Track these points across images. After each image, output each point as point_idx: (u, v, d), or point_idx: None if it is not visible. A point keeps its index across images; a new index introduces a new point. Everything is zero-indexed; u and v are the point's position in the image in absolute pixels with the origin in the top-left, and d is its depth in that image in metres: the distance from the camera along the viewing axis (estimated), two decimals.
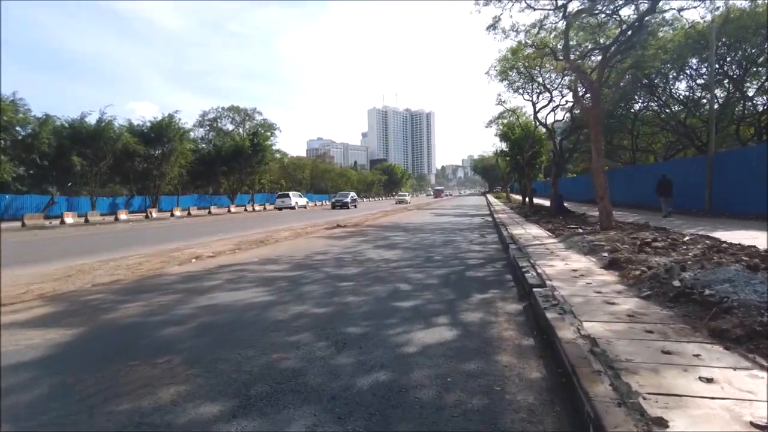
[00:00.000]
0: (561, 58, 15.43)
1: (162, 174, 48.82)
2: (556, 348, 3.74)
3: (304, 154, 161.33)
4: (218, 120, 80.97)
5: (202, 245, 13.62)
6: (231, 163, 56.68)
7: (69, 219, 28.99)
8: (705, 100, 26.72)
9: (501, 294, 6.30)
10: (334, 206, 46.13)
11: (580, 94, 16.71)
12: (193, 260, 10.35)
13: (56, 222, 28.57)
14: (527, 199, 31.90)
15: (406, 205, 50.04)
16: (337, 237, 15.10)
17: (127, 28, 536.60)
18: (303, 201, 53.01)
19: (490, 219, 23.49)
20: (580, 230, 12.82)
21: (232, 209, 46.61)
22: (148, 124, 46.40)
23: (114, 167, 41.16)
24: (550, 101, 22.19)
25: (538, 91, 23.19)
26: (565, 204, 21.46)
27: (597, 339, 3.67)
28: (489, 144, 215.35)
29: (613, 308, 4.66)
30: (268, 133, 74.38)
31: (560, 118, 26.13)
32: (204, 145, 61.96)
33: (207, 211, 43.56)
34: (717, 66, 24.86)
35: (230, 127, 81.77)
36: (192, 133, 65.22)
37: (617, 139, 35.09)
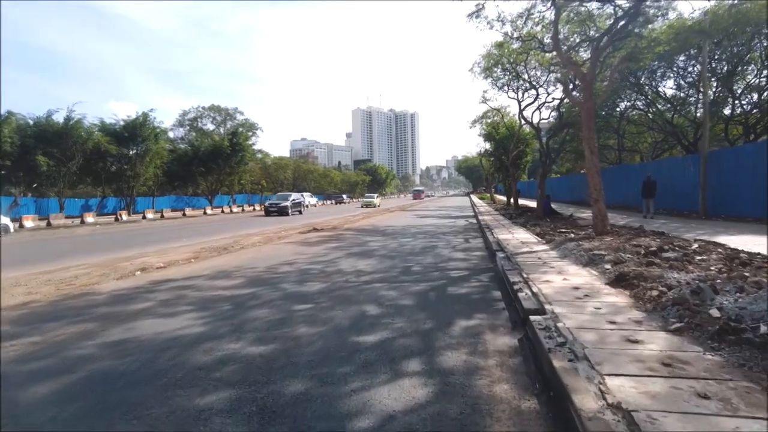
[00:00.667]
0: (549, 51, 14.43)
1: (136, 175, 47.05)
2: (572, 422, 2.58)
3: (287, 154, 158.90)
4: (199, 120, 79.43)
5: (159, 253, 12.26)
6: (209, 163, 55.13)
7: (29, 222, 27.17)
8: (693, 99, 26.17)
9: (489, 320, 5.15)
10: (268, 212, 34.48)
11: (570, 87, 15.74)
12: (138, 273, 9.01)
13: (16, 225, 26.67)
14: (512, 200, 31.00)
15: (383, 208, 48.12)
16: (310, 243, 13.84)
17: (111, 28, 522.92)
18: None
19: (474, 221, 22.46)
20: (572, 235, 11.79)
21: (209, 211, 44.89)
22: (122, 122, 44.66)
23: (85, 167, 39.27)
24: (536, 99, 21.24)
25: (523, 88, 22.22)
26: (552, 205, 20.53)
27: (633, 412, 2.52)
28: (473, 144, 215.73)
29: (638, 350, 3.52)
30: (250, 133, 73.03)
31: (546, 117, 25.32)
32: (183, 146, 60.22)
33: (182, 213, 41.70)
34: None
35: (211, 126, 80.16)
36: (172, 133, 63.47)
37: (603, 139, 34.43)
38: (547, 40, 15.81)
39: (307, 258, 10.48)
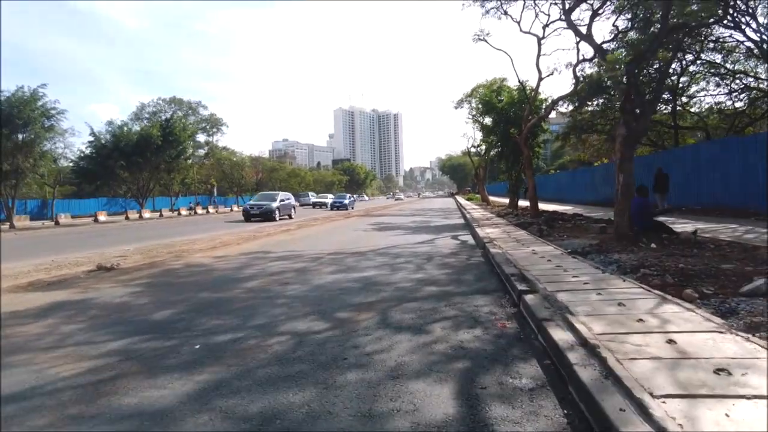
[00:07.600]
0: None
1: (18, 170, 34.96)
2: None
3: (267, 155, 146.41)
4: (159, 113, 68.74)
5: None
6: (134, 157, 43.35)
7: None
8: None
9: None
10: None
11: None
12: None
13: None
14: (528, 202, 19.78)
15: (341, 213, 35.03)
16: None
17: (90, 29, 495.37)
18: None
19: (469, 239, 11.43)
20: None
21: (101, 217, 32.95)
22: None
23: None
24: None
25: None
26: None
27: None
28: (459, 136, 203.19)
29: None
30: (214, 129, 63.64)
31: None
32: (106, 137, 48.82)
33: (54, 221, 29.51)
34: None
35: None
36: (126, 127, 52.51)
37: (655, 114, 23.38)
38: None
39: None
